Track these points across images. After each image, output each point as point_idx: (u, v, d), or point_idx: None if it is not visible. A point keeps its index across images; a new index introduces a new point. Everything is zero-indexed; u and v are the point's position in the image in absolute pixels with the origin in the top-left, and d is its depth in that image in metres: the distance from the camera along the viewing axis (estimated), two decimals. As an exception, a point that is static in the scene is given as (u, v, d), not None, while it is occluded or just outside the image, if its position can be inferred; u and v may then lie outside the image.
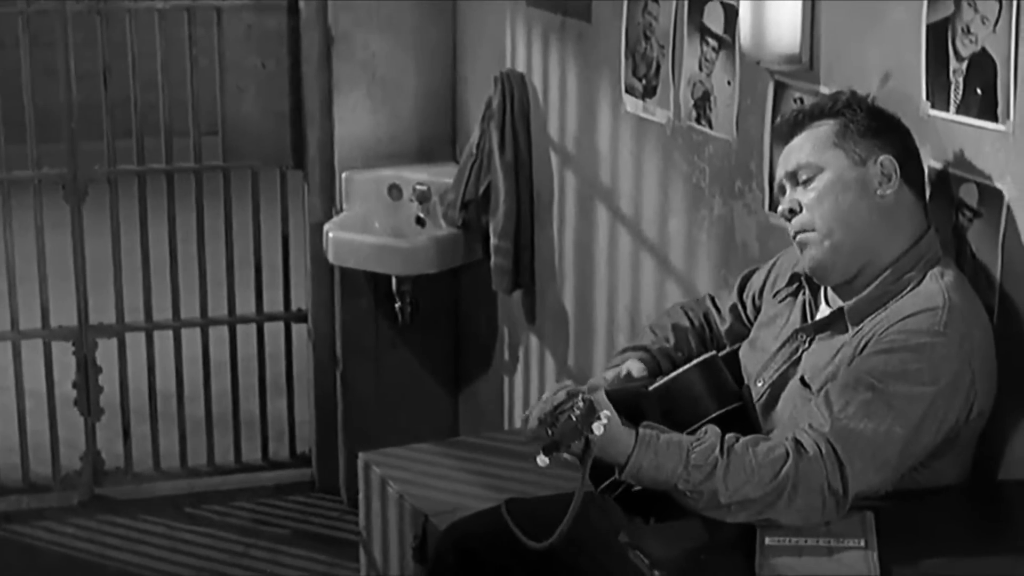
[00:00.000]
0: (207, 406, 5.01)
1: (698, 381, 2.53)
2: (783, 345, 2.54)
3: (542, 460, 2.22)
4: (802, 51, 2.86)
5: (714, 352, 2.66)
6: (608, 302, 3.85)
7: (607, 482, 2.41)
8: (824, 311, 2.52)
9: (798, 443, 2.24)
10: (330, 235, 4.62)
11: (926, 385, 2.26)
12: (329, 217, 4.77)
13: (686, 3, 3.29)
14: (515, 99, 4.17)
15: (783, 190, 2.52)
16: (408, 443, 4.23)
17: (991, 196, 2.44)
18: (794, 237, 2.48)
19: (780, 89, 3.00)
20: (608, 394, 2.36)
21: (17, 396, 4.87)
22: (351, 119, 4.72)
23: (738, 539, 2.23)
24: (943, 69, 2.51)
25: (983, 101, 2.43)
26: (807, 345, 2.50)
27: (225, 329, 5.01)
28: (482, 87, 4.44)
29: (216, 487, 5.02)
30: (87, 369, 4.87)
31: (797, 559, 2.15)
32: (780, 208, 2.52)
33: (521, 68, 4.21)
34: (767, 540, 2.19)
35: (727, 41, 3.16)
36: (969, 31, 2.44)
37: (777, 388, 2.50)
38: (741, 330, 2.77)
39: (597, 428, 2.18)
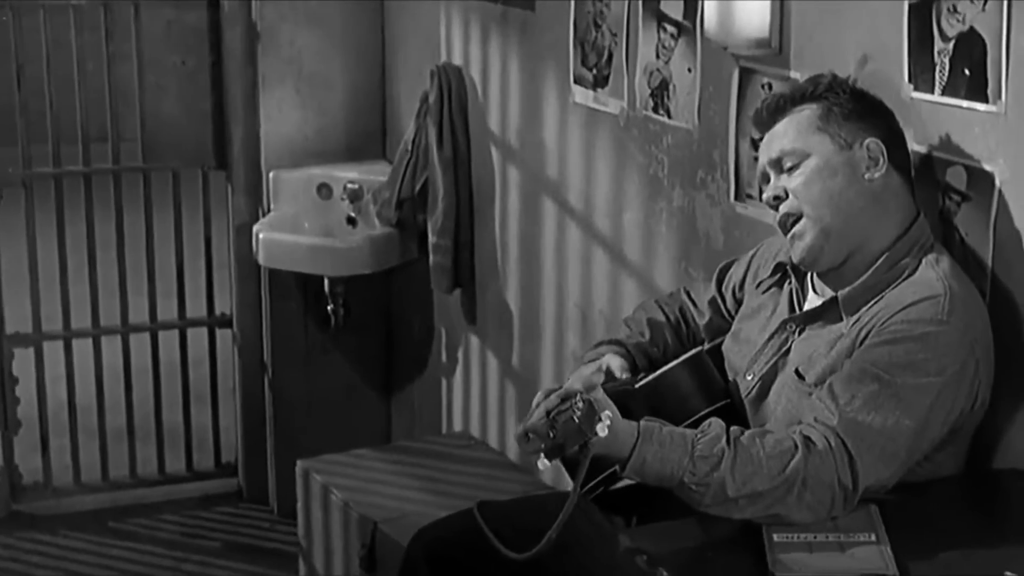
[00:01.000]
0: (128, 416, 4.89)
1: (686, 378, 2.46)
2: (771, 336, 2.47)
3: (543, 464, 2.15)
4: (772, 35, 2.80)
5: (701, 348, 2.59)
6: (556, 299, 3.76)
7: (590, 484, 2.33)
8: (813, 300, 2.45)
9: (806, 437, 2.17)
10: (260, 236, 4.47)
11: (932, 375, 2.21)
12: (256, 218, 4.64)
13: (641, -10, 3.21)
14: (452, 93, 4.06)
15: (766, 178, 2.45)
16: (339, 449, 4.14)
17: (980, 179, 2.39)
18: (781, 225, 2.42)
19: (746, 75, 2.93)
20: None
21: (-71, 410, 4.69)
22: (278, 117, 4.60)
23: (741, 536, 2.16)
24: (927, 50, 2.46)
25: (971, 82, 2.38)
26: (797, 335, 2.43)
27: (147, 336, 4.87)
28: (414, 82, 4.34)
29: (140, 500, 4.89)
30: (3, 380, 4.73)
31: (808, 555, 2.08)
32: (764, 196, 2.45)
33: (458, 61, 4.10)
34: (775, 536, 2.12)
35: (687, 27, 3.08)
36: (956, 10, 2.39)
37: (767, 380, 2.43)
38: (721, 323, 2.70)
39: (601, 428, 2.11)
